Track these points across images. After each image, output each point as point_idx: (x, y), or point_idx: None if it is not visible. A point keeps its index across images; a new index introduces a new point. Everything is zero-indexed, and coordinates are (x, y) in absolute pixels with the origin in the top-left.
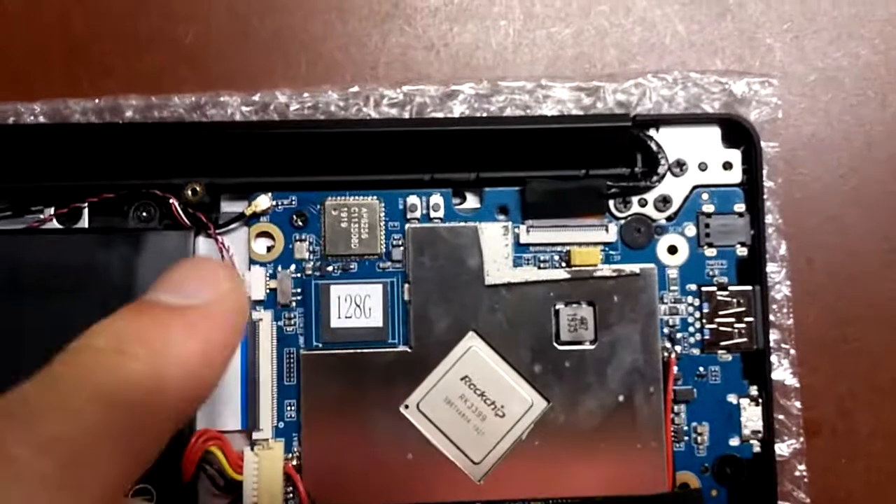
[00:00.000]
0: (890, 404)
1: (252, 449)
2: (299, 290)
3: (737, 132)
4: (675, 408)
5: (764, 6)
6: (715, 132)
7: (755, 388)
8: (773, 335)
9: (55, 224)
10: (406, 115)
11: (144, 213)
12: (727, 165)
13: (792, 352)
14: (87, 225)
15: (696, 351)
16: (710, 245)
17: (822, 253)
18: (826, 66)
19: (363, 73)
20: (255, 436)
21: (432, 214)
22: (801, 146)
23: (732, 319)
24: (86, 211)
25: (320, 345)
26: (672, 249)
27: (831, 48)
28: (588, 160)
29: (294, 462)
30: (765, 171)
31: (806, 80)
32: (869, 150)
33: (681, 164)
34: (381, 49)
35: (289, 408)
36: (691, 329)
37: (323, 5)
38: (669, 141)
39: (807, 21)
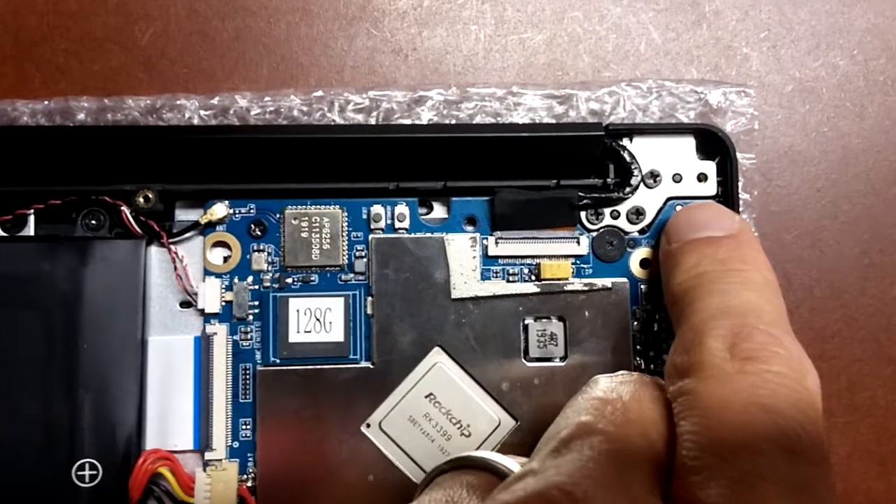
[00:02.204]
0: (868, 424)
1: (204, 470)
2: (256, 303)
3: (712, 143)
4: None
5: (741, 14)
6: (690, 143)
7: None
8: None
9: None
10: (372, 121)
11: (93, 221)
12: (702, 177)
13: None
14: (32, 232)
15: None
16: None
17: (798, 268)
18: (804, 76)
19: (328, 76)
20: (208, 456)
21: (397, 225)
22: (778, 158)
23: None
24: (31, 218)
25: (278, 360)
26: (645, 263)
27: (809, 58)
28: (559, 170)
29: (249, 484)
30: (740, 184)
31: (783, 91)
32: (846, 163)
33: (654, 176)
34: (346, 52)
35: (244, 426)
36: (664, 345)
37: (287, 6)
38: (643, 151)
39: (784, 30)
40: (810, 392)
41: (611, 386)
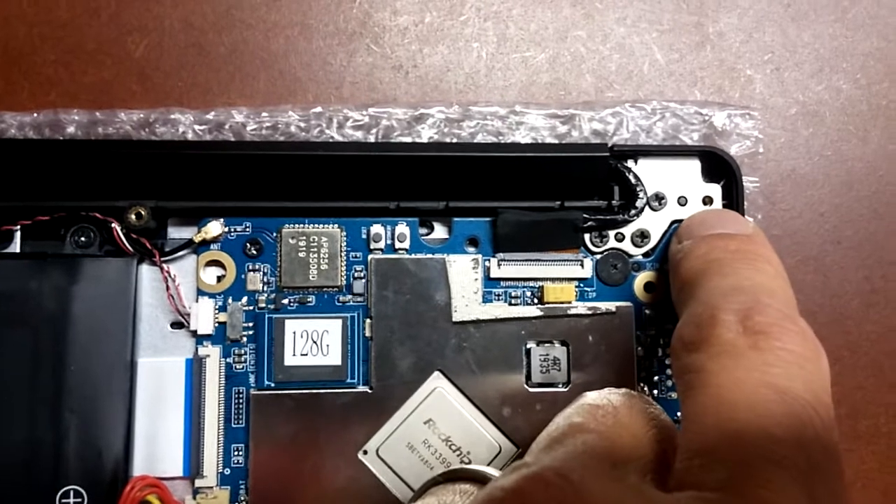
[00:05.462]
0: (871, 452)
1: (194, 497)
2: (251, 325)
3: (718, 166)
4: None
5: (744, 36)
6: (695, 165)
7: None
8: None
9: None
10: (371, 139)
11: (83, 238)
12: (707, 200)
13: None
14: (18, 250)
15: (674, 395)
16: None
17: (801, 293)
18: (807, 99)
19: (327, 92)
20: (199, 483)
21: (397, 245)
22: (781, 181)
23: None
24: (18, 234)
25: (272, 384)
26: (649, 287)
27: (812, 81)
28: (563, 191)
29: None
30: (744, 207)
31: (786, 114)
32: (849, 187)
33: (660, 198)
34: (346, 68)
35: (236, 452)
36: (669, 371)
37: (285, 20)
38: (648, 173)
39: (788, 53)
40: (823, 374)
41: (601, 395)
